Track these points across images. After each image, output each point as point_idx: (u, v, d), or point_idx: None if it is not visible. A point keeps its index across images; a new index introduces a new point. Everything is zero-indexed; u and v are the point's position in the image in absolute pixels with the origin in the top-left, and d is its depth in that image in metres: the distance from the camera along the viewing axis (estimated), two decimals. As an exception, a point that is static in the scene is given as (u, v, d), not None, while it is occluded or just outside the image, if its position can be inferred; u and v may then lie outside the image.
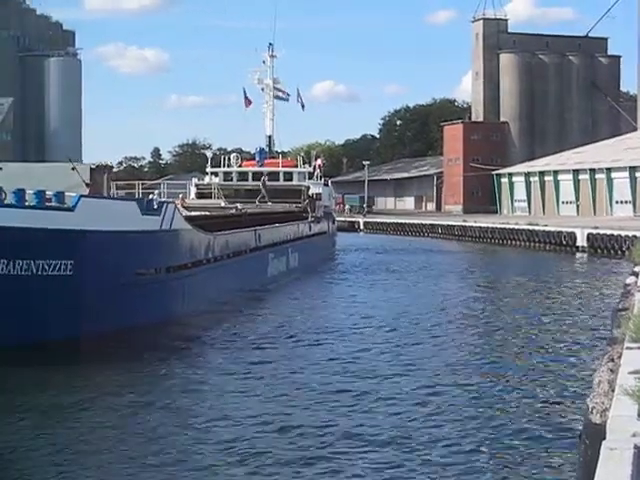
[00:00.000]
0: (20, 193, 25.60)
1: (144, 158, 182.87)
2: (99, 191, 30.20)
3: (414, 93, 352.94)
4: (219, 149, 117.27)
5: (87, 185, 29.42)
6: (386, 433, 17.68)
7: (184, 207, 47.14)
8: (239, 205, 52.81)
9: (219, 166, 66.64)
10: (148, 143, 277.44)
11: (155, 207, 31.00)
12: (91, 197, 28.53)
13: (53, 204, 26.69)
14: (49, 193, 26.66)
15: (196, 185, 64.36)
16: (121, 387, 21.92)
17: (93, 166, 29.10)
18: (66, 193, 27.13)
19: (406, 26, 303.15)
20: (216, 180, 64.81)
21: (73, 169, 29.60)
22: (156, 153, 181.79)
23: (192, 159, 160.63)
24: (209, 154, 71.16)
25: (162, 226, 30.94)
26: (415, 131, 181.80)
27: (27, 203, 25.97)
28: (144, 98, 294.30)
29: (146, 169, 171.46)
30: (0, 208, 24.84)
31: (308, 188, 64.72)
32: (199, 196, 61.91)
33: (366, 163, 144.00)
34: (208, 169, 66.70)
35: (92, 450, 16.63)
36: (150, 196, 47.79)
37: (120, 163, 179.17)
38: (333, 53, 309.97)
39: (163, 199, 36.71)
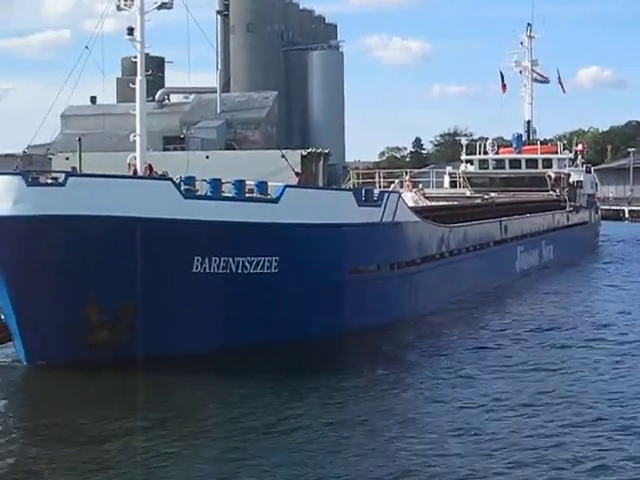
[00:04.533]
0: (216, 183, 23.25)
1: (405, 148, 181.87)
2: (312, 180, 27.51)
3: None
4: (480, 138, 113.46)
5: (297, 174, 26.87)
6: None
7: (425, 197, 44.36)
8: (493, 194, 49.58)
9: (475, 154, 63.65)
10: (410, 133, 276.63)
11: (375, 198, 28.06)
12: (299, 187, 25.95)
13: (255, 195, 24.22)
14: (250, 183, 24.22)
15: (449, 174, 61.54)
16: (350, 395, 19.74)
17: (305, 153, 26.41)
18: (270, 183, 24.60)
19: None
20: (471, 168, 61.86)
21: (282, 157, 27.13)
22: (417, 143, 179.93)
23: (453, 148, 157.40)
24: (464, 141, 68.58)
25: (383, 218, 28.00)
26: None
27: (225, 194, 23.65)
28: (407, 89, 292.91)
29: (408, 159, 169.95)
30: (192, 200, 22.56)
31: (568, 176, 60.39)
32: (452, 185, 59.04)
33: (631, 150, 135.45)
34: (463, 157, 64.00)
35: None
36: (391, 186, 45.29)
37: (382, 153, 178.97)
38: (599, 38, 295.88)
39: (396, 190, 33.75)
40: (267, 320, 23.84)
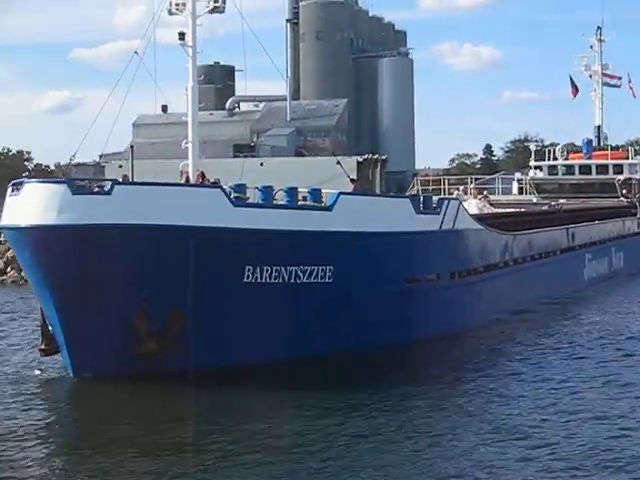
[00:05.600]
0: (267, 191, 22.73)
1: (476, 155, 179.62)
2: (368, 187, 26.88)
3: None
4: (551, 144, 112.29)
5: (352, 181, 26.24)
6: None
7: (490, 204, 43.43)
8: (561, 200, 48.57)
9: (544, 160, 62.60)
10: (480, 140, 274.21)
11: (434, 205, 27.34)
12: (353, 194, 25.29)
13: (308, 203, 23.63)
14: (303, 190, 23.65)
15: (518, 180, 60.68)
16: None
17: (360, 159, 25.79)
18: (325, 190, 24.01)
19: None
20: (540, 174, 60.82)
21: (338, 163, 26.52)
22: (488, 150, 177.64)
23: (524, 155, 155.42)
24: (532, 147, 67.77)
25: (442, 226, 27.29)
26: None
27: (277, 202, 23.12)
28: (477, 95, 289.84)
29: (478, 166, 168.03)
30: (242, 208, 22.05)
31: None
32: (520, 192, 58.14)
33: None
34: (531, 163, 62.98)
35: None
36: (455, 193, 44.43)
37: (452, 160, 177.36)
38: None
39: (459, 197, 32.98)
40: (321, 331, 23.24)
